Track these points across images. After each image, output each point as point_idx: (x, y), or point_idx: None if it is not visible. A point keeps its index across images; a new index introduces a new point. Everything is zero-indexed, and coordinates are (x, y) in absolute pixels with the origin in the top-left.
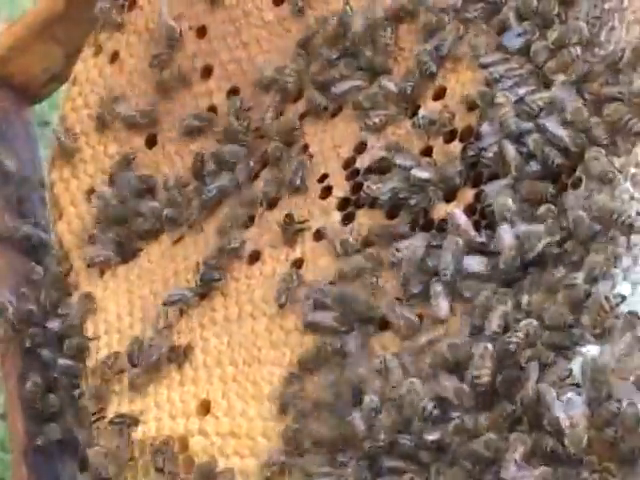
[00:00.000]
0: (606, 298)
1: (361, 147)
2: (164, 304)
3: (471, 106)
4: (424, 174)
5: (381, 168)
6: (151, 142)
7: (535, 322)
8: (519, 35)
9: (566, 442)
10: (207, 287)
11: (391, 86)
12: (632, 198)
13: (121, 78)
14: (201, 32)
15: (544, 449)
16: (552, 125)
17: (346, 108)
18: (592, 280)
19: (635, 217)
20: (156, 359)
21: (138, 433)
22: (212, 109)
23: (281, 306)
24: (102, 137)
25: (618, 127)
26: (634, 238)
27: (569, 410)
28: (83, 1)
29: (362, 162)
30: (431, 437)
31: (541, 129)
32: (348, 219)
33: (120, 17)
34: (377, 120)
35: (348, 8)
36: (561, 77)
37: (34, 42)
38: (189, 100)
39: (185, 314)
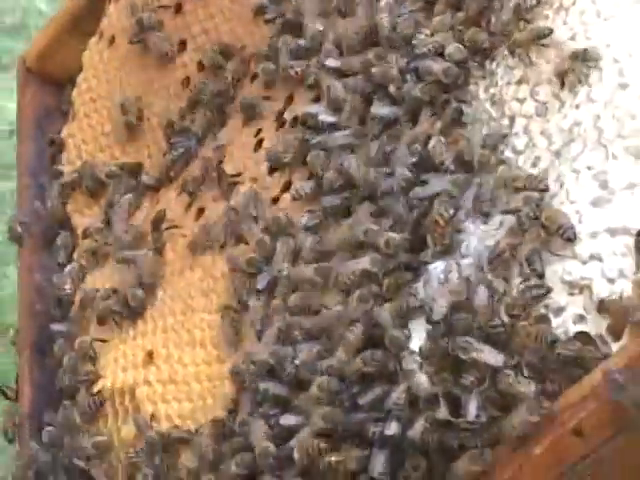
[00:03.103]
0: (439, 213)
1: (290, 100)
2: (117, 261)
3: None
4: (329, 119)
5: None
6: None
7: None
8: None
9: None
10: (159, 241)
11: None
12: (490, 118)
13: (116, 60)
14: (178, 8)
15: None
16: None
17: None
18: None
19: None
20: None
21: (98, 386)
22: (187, 80)
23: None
24: (100, 117)
25: (476, 49)
26: None
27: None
28: None
29: (289, 114)
30: None
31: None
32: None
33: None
34: (299, 70)
35: None
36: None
37: (67, 39)
38: (168, 74)
39: None
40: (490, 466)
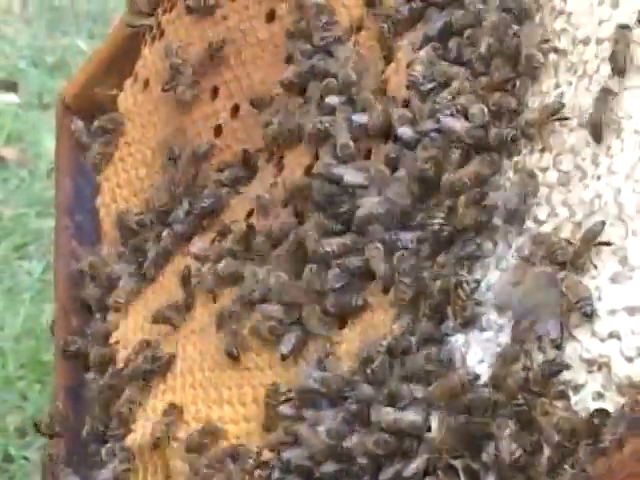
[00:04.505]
0: (459, 286)
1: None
2: (153, 321)
3: None
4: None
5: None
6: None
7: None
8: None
9: None
10: (191, 296)
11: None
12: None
13: (150, 104)
14: (211, 55)
15: None
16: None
17: None
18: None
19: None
20: (136, 371)
21: (128, 441)
22: (218, 128)
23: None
24: (135, 161)
25: (501, 114)
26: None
27: None
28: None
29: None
30: None
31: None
32: None
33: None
34: (327, 125)
35: None
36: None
37: (104, 78)
38: (200, 121)
39: (175, 327)
40: None
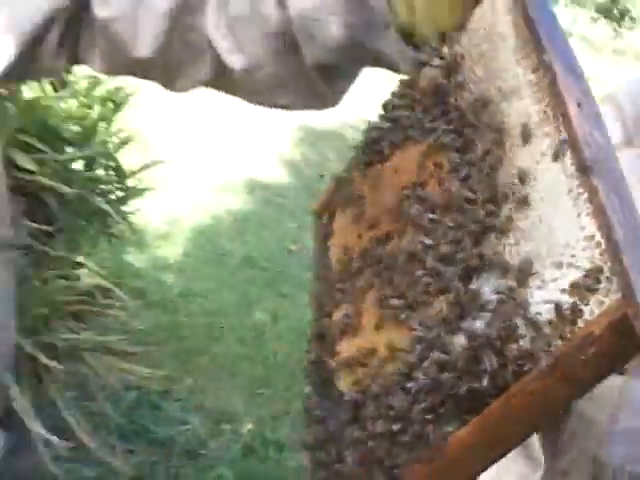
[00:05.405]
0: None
1: None
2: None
3: None
4: None
5: None
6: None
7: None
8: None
9: None
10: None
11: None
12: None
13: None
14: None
15: None
16: None
17: None
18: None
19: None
20: (339, 325)
21: (337, 359)
22: (359, 235)
23: None
24: (340, 234)
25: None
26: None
27: None
28: None
29: None
30: None
31: None
32: None
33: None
34: None
35: None
36: None
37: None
38: (361, 228)
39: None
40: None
